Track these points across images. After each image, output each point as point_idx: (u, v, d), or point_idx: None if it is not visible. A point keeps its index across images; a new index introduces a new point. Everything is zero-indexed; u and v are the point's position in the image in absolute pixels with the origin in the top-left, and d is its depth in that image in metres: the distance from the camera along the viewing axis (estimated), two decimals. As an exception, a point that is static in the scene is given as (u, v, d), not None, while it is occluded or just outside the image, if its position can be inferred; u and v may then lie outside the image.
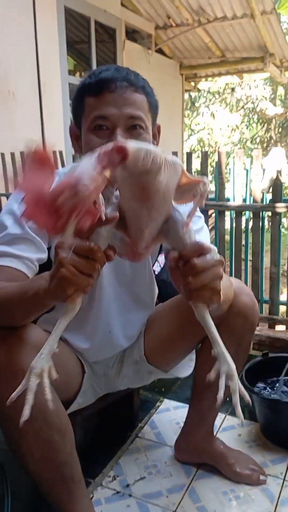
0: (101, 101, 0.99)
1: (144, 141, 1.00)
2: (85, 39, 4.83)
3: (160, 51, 5.93)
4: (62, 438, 0.96)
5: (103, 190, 0.65)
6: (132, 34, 5.37)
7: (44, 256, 1.04)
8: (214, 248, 0.75)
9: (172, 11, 5.27)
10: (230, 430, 1.51)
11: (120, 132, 0.98)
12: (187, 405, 1.34)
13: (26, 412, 0.70)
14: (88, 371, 1.22)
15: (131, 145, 0.61)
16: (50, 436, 0.94)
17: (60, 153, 2.74)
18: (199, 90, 8.62)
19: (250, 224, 2.40)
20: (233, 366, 0.75)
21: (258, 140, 11.19)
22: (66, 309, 0.73)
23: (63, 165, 2.72)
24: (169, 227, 0.74)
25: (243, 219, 2.34)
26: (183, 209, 0.76)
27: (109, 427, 1.53)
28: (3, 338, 0.90)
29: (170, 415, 1.60)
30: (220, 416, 1.55)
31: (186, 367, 1.33)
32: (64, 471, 0.99)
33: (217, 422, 1.36)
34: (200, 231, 1.12)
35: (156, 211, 0.71)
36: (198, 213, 1.17)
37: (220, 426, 1.53)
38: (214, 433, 1.35)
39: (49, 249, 1.06)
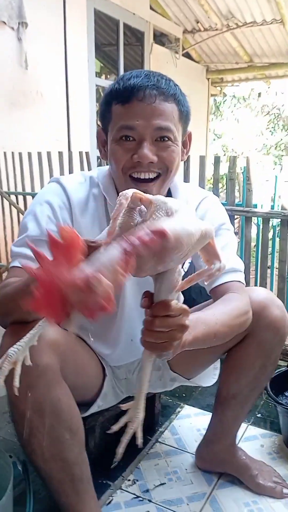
0: (129, 110, 0.95)
1: (172, 153, 0.98)
2: (113, 42, 4.86)
3: (187, 55, 5.94)
4: (73, 437, 0.96)
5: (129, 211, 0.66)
6: (160, 37, 5.38)
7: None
8: (186, 311, 0.72)
9: (201, 15, 5.27)
10: (252, 440, 1.49)
11: (147, 145, 0.95)
12: (208, 412, 1.33)
13: None
14: (109, 374, 1.21)
15: (172, 228, 0.58)
16: (61, 435, 0.94)
17: (87, 154, 2.75)
18: (225, 95, 8.58)
19: (278, 231, 2.36)
20: (139, 415, 0.79)
21: (283, 146, 11.07)
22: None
23: (89, 167, 2.73)
24: (162, 276, 0.72)
25: (270, 226, 2.30)
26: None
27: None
28: (16, 333, 0.89)
29: (191, 422, 1.58)
30: (243, 426, 1.52)
31: (210, 376, 1.31)
32: (74, 471, 0.98)
33: (239, 431, 1.33)
34: (225, 248, 1.09)
35: (162, 266, 0.69)
36: (226, 225, 1.14)
37: (242, 436, 1.50)
38: (237, 442, 1.32)
39: None
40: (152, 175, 0.98)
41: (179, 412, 1.64)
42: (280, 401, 1.45)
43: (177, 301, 0.73)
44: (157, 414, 1.54)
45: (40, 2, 3.43)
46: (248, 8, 4.94)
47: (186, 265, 1.20)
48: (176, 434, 1.51)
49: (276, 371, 1.54)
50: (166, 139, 0.96)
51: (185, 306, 0.73)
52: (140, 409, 0.79)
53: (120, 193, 0.67)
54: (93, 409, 1.18)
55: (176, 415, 1.62)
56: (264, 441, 1.48)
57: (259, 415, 1.63)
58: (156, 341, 0.72)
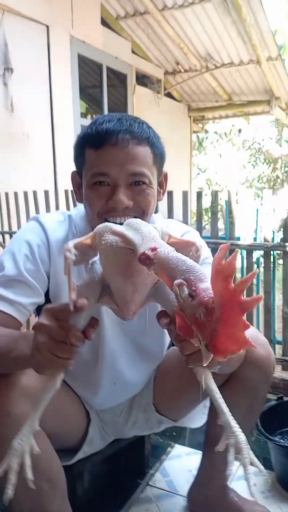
0: (102, 156, 0.94)
1: (147, 197, 0.97)
2: (97, 84, 5.04)
3: (169, 95, 6.16)
4: (52, 488, 0.92)
5: (83, 257, 0.66)
6: (142, 79, 5.60)
7: (39, 300, 1.02)
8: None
9: (180, 57, 5.51)
10: (244, 479, 1.44)
11: (121, 190, 0.94)
12: (200, 451, 1.29)
13: (8, 492, 0.71)
14: (94, 418, 1.19)
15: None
16: (39, 487, 0.89)
17: (72, 192, 2.79)
18: (206, 131, 8.86)
19: (262, 262, 2.39)
20: (241, 437, 0.72)
21: (265, 179, 11.36)
22: (45, 387, 0.73)
23: (74, 205, 2.77)
24: (158, 290, 0.71)
25: (254, 257, 2.33)
26: None
27: (119, 474, 1.47)
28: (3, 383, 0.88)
29: (182, 462, 1.54)
30: (235, 464, 1.49)
31: (199, 416, 1.28)
32: None
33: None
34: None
35: (141, 284, 0.69)
36: (209, 259, 1.12)
37: (234, 475, 1.46)
38: (229, 482, 1.28)
39: (47, 292, 1.04)
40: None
41: (169, 452, 1.59)
42: (271, 437, 1.43)
43: None
44: (147, 455, 1.50)
45: (25, 48, 3.56)
46: (226, 50, 5.19)
47: None
48: (167, 476, 1.46)
49: (267, 404, 1.52)
50: (141, 183, 0.95)
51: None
52: (237, 433, 0.73)
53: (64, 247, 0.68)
54: (79, 455, 1.15)
55: (167, 455, 1.57)
56: (256, 479, 1.44)
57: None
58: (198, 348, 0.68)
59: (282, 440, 1.49)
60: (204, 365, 0.67)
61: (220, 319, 0.50)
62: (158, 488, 1.41)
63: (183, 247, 0.72)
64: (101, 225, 0.68)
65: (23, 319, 0.99)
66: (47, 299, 1.04)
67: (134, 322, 1.12)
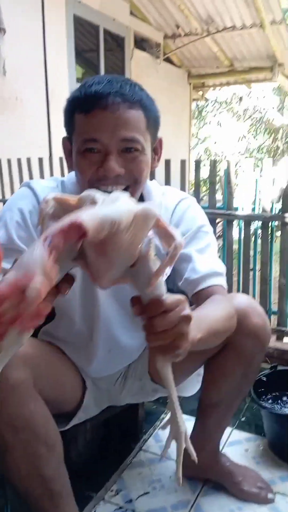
0: (91, 121, 0.89)
1: (140, 164, 0.93)
2: (94, 48, 4.86)
3: (168, 60, 5.97)
4: (49, 452, 0.93)
5: (63, 214, 0.58)
6: (141, 42, 5.40)
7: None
8: (182, 302, 0.68)
9: (181, 20, 5.30)
10: (236, 445, 1.47)
11: (112, 158, 0.90)
12: (193, 418, 1.30)
13: None
14: (90, 386, 1.19)
15: (90, 218, 0.53)
16: (37, 450, 0.91)
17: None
18: (206, 99, 8.65)
19: (259, 233, 2.37)
20: (182, 428, 0.75)
21: (265, 149, 11.19)
22: (10, 343, 0.66)
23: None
24: (134, 275, 0.68)
25: (252, 228, 2.31)
26: None
27: (113, 439, 1.49)
28: None
29: (175, 428, 1.56)
30: (227, 430, 1.51)
31: (193, 385, 1.29)
32: (52, 487, 0.95)
33: (224, 436, 1.32)
34: (205, 250, 1.07)
35: (115, 263, 0.65)
36: (206, 228, 1.11)
37: (226, 441, 1.48)
38: (220, 448, 1.31)
39: None
40: (120, 188, 0.93)
41: (163, 418, 1.62)
42: (263, 405, 1.44)
43: (169, 294, 0.68)
44: (140, 421, 1.52)
45: (18, 8, 3.41)
46: (228, 12, 4.99)
47: (168, 271, 1.18)
48: (160, 441, 1.49)
49: (260, 373, 1.53)
50: (133, 150, 0.91)
51: (179, 296, 0.68)
52: (180, 422, 0.74)
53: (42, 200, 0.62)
54: (74, 421, 1.16)
55: (160, 422, 1.60)
56: (248, 445, 1.47)
57: (243, 419, 1.62)
58: (165, 342, 0.67)
59: (273, 406, 1.50)
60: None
61: None
62: (151, 452, 1.43)
63: (164, 237, 0.68)
64: (85, 193, 0.63)
65: None
66: None
67: (127, 290, 1.10)
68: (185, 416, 1.58)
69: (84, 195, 0.63)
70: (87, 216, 0.53)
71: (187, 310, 0.68)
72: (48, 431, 0.93)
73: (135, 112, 0.91)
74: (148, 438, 1.50)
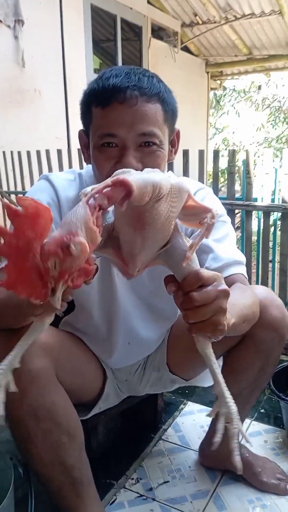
0: (109, 114, 0.88)
1: (157, 159, 0.92)
2: (111, 37, 4.84)
3: (186, 49, 5.90)
4: (71, 440, 0.95)
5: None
6: (158, 32, 5.35)
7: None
8: (219, 277, 0.68)
9: (198, 8, 5.23)
10: (256, 436, 1.47)
11: (130, 152, 0.88)
12: (211, 409, 1.31)
13: None
14: (110, 376, 1.21)
15: (135, 178, 0.55)
16: (59, 439, 0.92)
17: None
18: (224, 89, 8.53)
19: (278, 224, 2.34)
20: (233, 408, 0.71)
21: (284, 139, 11.00)
22: (32, 326, 0.68)
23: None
24: (168, 253, 0.68)
25: (271, 219, 2.28)
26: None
27: (133, 428, 1.51)
28: (7, 338, 0.87)
29: (194, 418, 1.57)
30: (246, 421, 1.51)
31: (210, 375, 1.29)
32: (74, 475, 0.97)
33: (243, 427, 1.32)
34: (223, 239, 1.06)
35: (151, 239, 0.65)
36: (224, 217, 1.10)
37: (245, 432, 1.48)
38: (239, 439, 1.31)
39: None
40: None
41: (182, 409, 1.63)
42: (283, 397, 1.44)
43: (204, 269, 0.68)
44: (160, 411, 1.54)
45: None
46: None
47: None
48: (180, 431, 1.50)
49: (279, 365, 1.53)
50: (151, 144, 0.90)
51: (216, 272, 0.68)
52: (230, 404, 0.71)
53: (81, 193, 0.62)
54: (94, 411, 1.18)
55: (180, 412, 1.61)
56: (267, 436, 1.47)
57: (262, 411, 1.61)
58: (204, 318, 0.66)
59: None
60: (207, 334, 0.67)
61: None
62: (171, 442, 1.45)
63: (200, 212, 0.69)
64: (119, 171, 0.63)
65: None
66: None
67: (145, 283, 1.11)
68: (203, 407, 1.61)
69: (119, 171, 0.63)
70: (131, 177, 0.54)
71: (224, 285, 0.68)
72: (69, 420, 0.95)
73: (153, 105, 0.89)
74: (168, 428, 1.51)
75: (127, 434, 1.49)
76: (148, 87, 0.89)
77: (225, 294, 0.68)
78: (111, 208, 0.64)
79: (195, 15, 5.40)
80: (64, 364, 0.99)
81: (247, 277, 1.07)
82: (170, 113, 0.94)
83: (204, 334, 0.69)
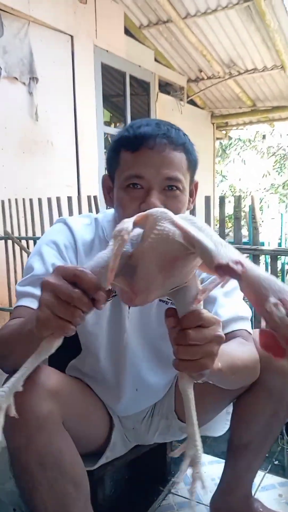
0: (138, 158, 0.94)
1: (179, 204, 0.96)
2: (120, 93, 5.09)
3: (192, 102, 6.16)
4: (77, 490, 0.91)
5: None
6: (165, 87, 5.63)
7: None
8: (218, 322, 0.69)
9: (203, 65, 5.51)
10: (270, 489, 1.40)
11: (155, 194, 0.93)
12: (223, 460, 1.26)
13: None
14: (117, 424, 1.18)
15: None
16: (64, 488, 0.89)
17: (95, 198, 2.82)
18: (230, 138, 8.81)
19: (286, 268, 2.35)
20: (200, 452, 0.72)
21: (290, 185, 11.20)
22: (40, 348, 0.69)
23: (97, 211, 2.79)
24: (179, 292, 0.69)
25: (279, 263, 2.29)
26: None
27: (140, 480, 1.45)
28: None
29: (205, 470, 1.51)
30: (259, 474, 1.45)
31: (221, 424, 1.25)
32: None
33: (256, 480, 1.27)
34: (232, 293, 1.05)
35: (172, 280, 0.67)
36: None
37: (259, 485, 1.42)
38: (253, 492, 1.25)
39: None
40: None
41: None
42: (297, 447, 1.39)
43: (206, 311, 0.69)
44: (169, 462, 1.48)
45: (50, 58, 3.64)
46: (249, 56, 5.16)
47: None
48: (190, 484, 1.43)
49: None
50: (175, 188, 0.95)
51: (216, 317, 0.69)
52: (198, 446, 0.72)
53: (117, 229, 0.64)
54: (101, 461, 1.14)
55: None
56: (282, 490, 1.40)
57: (276, 462, 1.55)
58: (193, 357, 0.67)
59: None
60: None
61: None
62: (181, 496, 1.38)
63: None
64: (159, 210, 0.66)
65: None
66: None
67: (154, 327, 1.11)
68: (214, 458, 1.55)
69: (157, 212, 0.66)
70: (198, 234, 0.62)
71: (221, 331, 0.68)
72: (75, 469, 0.92)
73: (179, 154, 0.95)
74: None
75: (135, 486, 1.43)
76: (175, 137, 0.96)
77: (219, 340, 0.68)
78: (129, 238, 0.67)
79: (200, 71, 5.70)
80: (71, 410, 0.97)
81: (251, 332, 1.05)
82: (193, 164, 1.01)
83: (189, 373, 0.70)
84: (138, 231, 0.67)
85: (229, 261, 0.59)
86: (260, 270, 0.61)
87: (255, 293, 0.60)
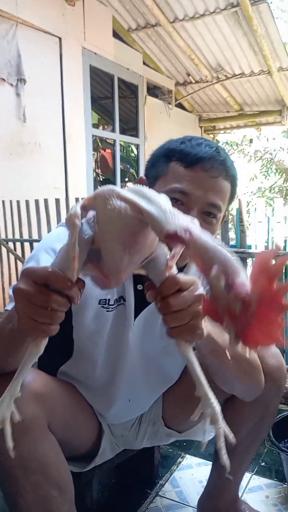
0: (190, 175, 0.93)
1: (213, 231, 0.96)
2: (109, 95, 5.09)
3: (180, 106, 6.19)
4: (61, 495, 0.90)
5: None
6: (153, 90, 5.64)
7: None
8: (196, 282, 0.68)
9: (191, 68, 5.55)
10: (257, 491, 1.41)
11: (194, 214, 0.92)
12: (211, 462, 1.26)
13: None
14: (107, 430, 1.17)
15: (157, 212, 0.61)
16: (48, 493, 0.88)
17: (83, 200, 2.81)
18: (217, 142, 8.85)
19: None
20: (217, 408, 0.71)
21: (277, 189, 11.31)
22: (29, 352, 0.69)
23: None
24: (150, 263, 0.69)
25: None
26: None
27: (128, 484, 1.45)
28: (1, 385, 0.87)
29: (193, 473, 1.51)
30: (246, 476, 1.45)
31: (209, 429, 1.26)
32: None
33: (243, 481, 1.27)
34: None
35: (139, 255, 0.66)
36: None
37: (246, 487, 1.43)
38: (240, 494, 1.26)
39: None
40: None
41: (180, 462, 1.57)
42: (284, 448, 1.40)
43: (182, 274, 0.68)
44: (156, 465, 1.48)
45: (38, 60, 3.62)
46: (237, 60, 5.21)
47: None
48: (177, 486, 1.44)
49: (278, 415, 1.49)
50: (213, 215, 0.95)
51: (193, 277, 0.69)
52: (213, 403, 0.71)
53: (67, 216, 0.63)
54: (91, 466, 1.13)
55: (177, 466, 1.55)
56: (269, 491, 1.41)
57: (263, 464, 1.56)
58: (181, 322, 0.67)
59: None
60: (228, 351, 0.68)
61: (256, 315, 0.53)
62: (168, 498, 1.38)
63: None
64: (105, 188, 0.65)
65: None
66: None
67: (157, 343, 1.08)
68: (201, 461, 1.55)
69: (104, 191, 0.64)
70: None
71: (201, 290, 0.68)
72: (60, 473, 0.91)
73: (227, 184, 0.97)
74: (165, 483, 1.45)
75: (122, 489, 1.42)
76: (230, 168, 0.97)
77: (200, 299, 0.67)
78: (86, 218, 0.66)
79: (188, 75, 5.73)
80: (58, 414, 0.96)
81: None
82: (233, 197, 1.02)
83: (183, 338, 0.70)
84: (93, 213, 0.66)
85: (177, 228, 0.59)
86: (208, 238, 0.60)
87: (201, 261, 0.59)
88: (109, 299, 1.01)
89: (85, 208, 0.65)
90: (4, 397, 0.68)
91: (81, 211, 0.65)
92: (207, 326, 0.74)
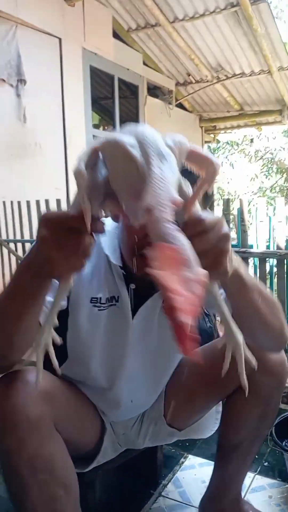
0: None
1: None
2: (109, 96, 5.09)
3: (180, 106, 6.18)
4: (67, 494, 0.90)
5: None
6: (153, 90, 5.64)
7: (63, 303, 0.96)
8: (220, 221, 0.67)
9: (191, 68, 5.54)
10: (260, 491, 1.41)
11: None
12: (213, 462, 1.26)
13: (38, 376, 0.77)
14: (109, 428, 1.17)
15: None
16: (54, 492, 0.88)
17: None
18: (218, 142, 8.85)
19: (274, 270, 2.36)
20: (240, 338, 0.75)
21: (277, 189, 11.30)
22: (60, 287, 0.73)
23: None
24: None
25: (267, 266, 2.31)
26: None
27: (131, 484, 1.44)
28: (7, 384, 0.86)
29: (196, 473, 1.51)
30: (249, 476, 1.45)
31: (211, 425, 1.25)
32: None
33: (246, 481, 1.27)
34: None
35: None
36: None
37: (249, 487, 1.42)
38: (243, 494, 1.25)
39: (68, 297, 0.99)
40: None
41: (182, 463, 1.57)
42: (286, 448, 1.39)
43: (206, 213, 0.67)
44: (159, 465, 1.47)
45: (38, 60, 3.62)
46: (237, 60, 5.20)
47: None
48: (180, 487, 1.44)
49: (281, 415, 1.49)
50: None
51: (217, 217, 0.67)
52: (236, 332, 0.75)
53: (73, 171, 0.63)
54: (93, 465, 1.13)
55: (180, 466, 1.54)
56: (272, 491, 1.40)
57: (266, 464, 1.55)
58: (207, 261, 0.63)
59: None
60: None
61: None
62: (171, 498, 1.38)
63: (199, 161, 0.70)
64: (112, 138, 0.64)
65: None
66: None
67: (156, 337, 1.07)
68: (204, 461, 1.55)
69: (110, 142, 0.64)
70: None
71: (225, 228, 0.67)
72: (66, 472, 0.91)
73: None
74: (168, 484, 1.45)
75: (125, 490, 1.42)
76: None
77: (227, 238, 0.66)
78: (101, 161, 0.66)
79: (188, 75, 5.72)
80: (63, 413, 0.96)
81: None
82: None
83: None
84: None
85: (145, 203, 0.59)
86: (166, 224, 0.58)
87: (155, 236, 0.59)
88: (100, 298, 1.01)
89: (95, 153, 0.65)
90: (44, 326, 0.76)
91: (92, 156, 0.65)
92: (236, 261, 0.74)
